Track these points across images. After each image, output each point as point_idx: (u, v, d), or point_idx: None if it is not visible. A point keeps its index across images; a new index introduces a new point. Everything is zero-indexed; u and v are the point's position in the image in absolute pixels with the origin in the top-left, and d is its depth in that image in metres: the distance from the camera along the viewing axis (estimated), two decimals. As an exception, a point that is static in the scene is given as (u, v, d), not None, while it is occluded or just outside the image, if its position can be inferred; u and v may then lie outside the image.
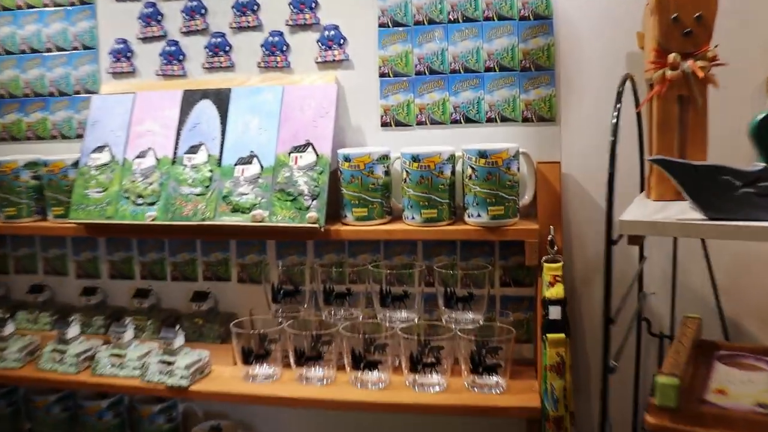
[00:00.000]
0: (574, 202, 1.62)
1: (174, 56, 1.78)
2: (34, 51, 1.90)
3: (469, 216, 1.53)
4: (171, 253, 1.86)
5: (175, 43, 1.78)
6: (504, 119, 1.64)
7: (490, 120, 1.64)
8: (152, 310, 1.84)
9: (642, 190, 1.47)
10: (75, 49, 1.86)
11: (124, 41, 1.82)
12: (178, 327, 1.61)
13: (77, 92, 1.87)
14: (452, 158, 1.55)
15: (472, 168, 1.50)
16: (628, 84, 1.27)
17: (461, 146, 1.55)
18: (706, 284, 1.53)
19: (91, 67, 1.85)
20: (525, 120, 1.63)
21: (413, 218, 1.55)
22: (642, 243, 1.20)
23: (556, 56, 1.61)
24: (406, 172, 1.54)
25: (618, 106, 1.15)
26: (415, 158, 1.52)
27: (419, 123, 1.66)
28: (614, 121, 1.14)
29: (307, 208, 1.55)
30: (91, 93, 1.83)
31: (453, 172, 1.56)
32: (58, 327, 1.72)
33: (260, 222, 1.56)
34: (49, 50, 1.89)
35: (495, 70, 1.63)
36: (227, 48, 1.74)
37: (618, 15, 1.57)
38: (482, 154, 1.49)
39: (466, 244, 1.67)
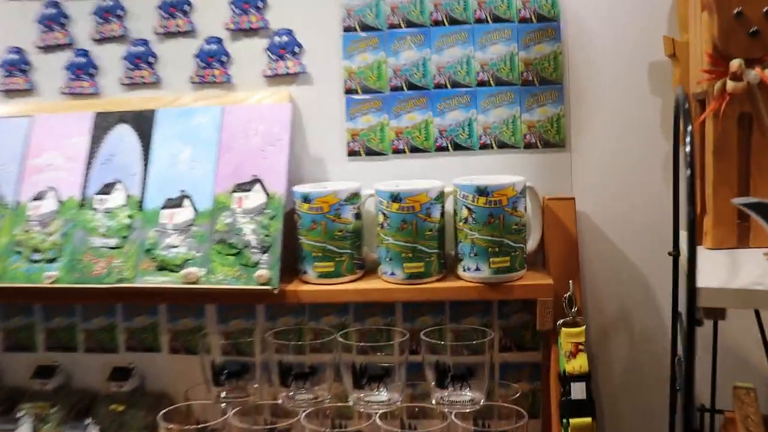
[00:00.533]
0: (588, 246, 1.30)
1: (83, 69, 1.41)
2: None
3: (465, 269, 1.19)
4: (84, 318, 1.48)
5: (85, 52, 1.41)
6: (502, 145, 1.31)
7: (484, 146, 1.31)
8: (59, 392, 1.44)
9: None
10: (-41, 62, 1.47)
11: (19, 50, 1.44)
12: (89, 421, 1.22)
13: (-38, 116, 1.48)
14: (441, 196, 1.21)
15: (469, 209, 1.17)
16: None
17: (452, 180, 1.21)
18: (753, 345, 1.21)
19: (-21, 84, 1.47)
20: (528, 146, 1.31)
21: (393, 274, 1.20)
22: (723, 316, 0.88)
23: (565, 67, 1.29)
24: (383, 214, 1.19)
25: (689, 129, 0.83)
26: (395, 197, 1.17)
27: (396, 151, 1.32)
28: (688, 148, 0.81)
29: (256, 265, 1.19)
30: (-21, 117, 1.44)
31: (443, 214, 1.21)
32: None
33: (194, 283, 1.19)
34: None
35: (490, 84, 1.30)
36: (151, 59, 1.38)
37: (640, 16, 1.27)
38: (482, 191, 1.16)
39: (458, 301, 1.33)
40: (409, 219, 1.18)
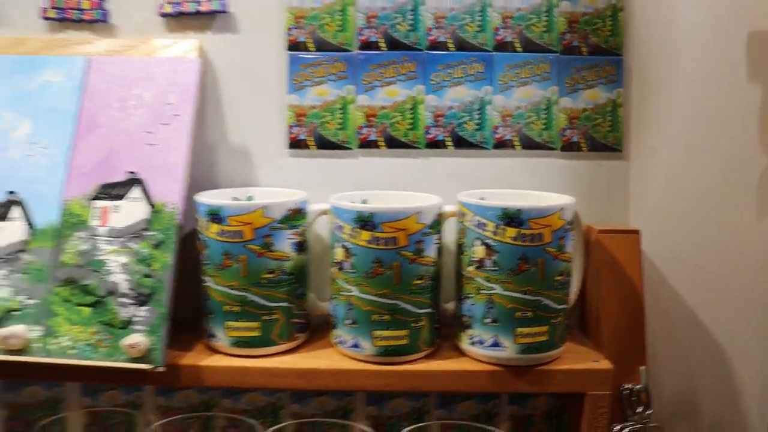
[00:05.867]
0: (649, 307, 0.84)
1: None
2: None
3: (474, 342, 0.73)
4: None
5: None
6: (529, 143, 0.85)
7: (502, 143, 0.84)
8: None
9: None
10: None
11: None
12: None
13: None
14: (440, 222, 0.74)
15: (487, 245, 0.70)
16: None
17: (455, 196, 0.74)
18: None
19: None
20: (567, 146, 0.84)
21: (357, 346, 0.73)
22: None
23: (628, 30, 0.83)
24: (344, 249, 0.71)
25: None
26: (364, 221, 0.70)
27: (365, 143, 0.84)
28: None
29: (126, 325, 0.69)
30: None
31: (440, 251, 0.74)
32: None
33: (18, 352, 0.70)
34: None
35: (514, 48, 0.83)
36: (-17, -21, 0.86)
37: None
38: (512, 218, 0.69)
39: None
40: (387, 259, 0.71)
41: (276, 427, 0.76)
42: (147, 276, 0.71)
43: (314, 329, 0.81)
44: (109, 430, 0.84)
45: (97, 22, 0.86)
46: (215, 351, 0.76)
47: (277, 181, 0.84)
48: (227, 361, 0.74)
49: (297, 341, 0.77)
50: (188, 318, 0.77)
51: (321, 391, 0.87)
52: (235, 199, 0.79)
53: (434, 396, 0.88)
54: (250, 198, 0.80)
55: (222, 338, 0.75)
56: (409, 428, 0.74)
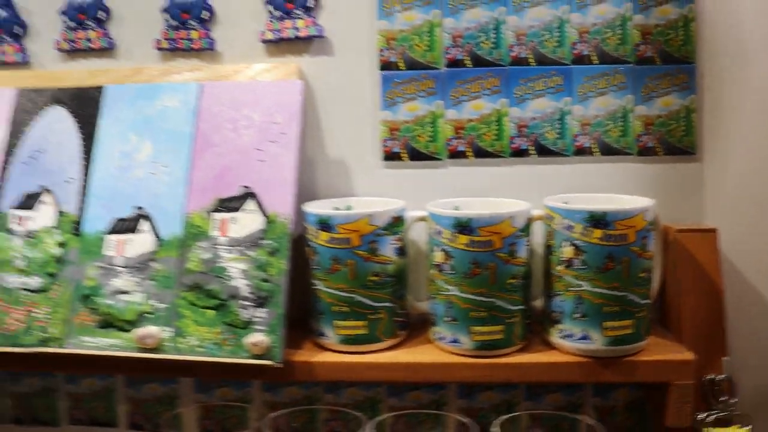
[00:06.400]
0: (728, 298, 0.88)
1: (5, 28, 0.98)
2: None
3: (563, 336, 0.79)
4: (11, 378, 1.06)
5: (7, 2, 0.98)
6: (607, 149, 0.90)
7: (581, 151, 0.90)
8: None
9: None
10: None
11: None
12: None
13: None
14: (529, 225, 0.80)
15: (576, 246, 0.76)
16: None
17: (542, 200, 0.80)
18: None
19: None
20: (644, 151, 0.90)
21: (456, 341, 0.79)
22: None
23: (699, 39, 0.88)
24: (444, 252, 0.78)
25: None
26: (463, 226, 0.76)
27: (454, 154, 0.90)
28: None
29: (247, 325, 0.77)
30: None
31: (530, 253, 0.80)
32: None
33: (154, 350, 0.78)
34: None
35: (591, 61, 0.89)
36: (101, 14, 0.96)
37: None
38: (598, 221, 0.75)
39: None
40: (484, 260, 0.77)
41: (378, 419, 0.83)
42: (265, 281, 0.79)
43: (412, 327, 0.87)
44: (221, 423, 0.91)
45: (205, 50, 0.94)
46: (324, 348, 0.83)
47: (372, 191, 0.91)
48: (336, 357, 0.81)
49: (399, 338, 0.84)
50: (295, 318, 0.84)
51: (417, 385, 0.93)
52: (336, 208, 0.86)
53: (523, 388, 0.94)
54: (349, 207, 0.87)
55: (331, 336, 0.82)
56: (501, 418, 0.80)
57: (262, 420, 0.84)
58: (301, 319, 0.85)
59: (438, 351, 0.82)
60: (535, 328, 0.84)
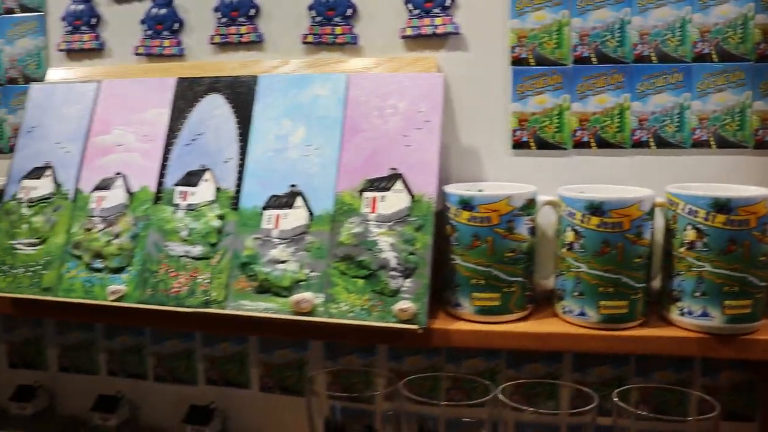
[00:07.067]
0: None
1: (164, 24, 1.09)
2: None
3: (684, 313, 0.85)
4: (154, 339, 1.17)
5: (167, 2, 1.09)
6: (723, 143, 0.96)
7: (699, 143, 0.96)
8: (123, 431, 1.14)
9: None
10: (10, 12, 1.17)
11: (86, 0, 1.12)
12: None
13: (12, 80, 1.18)
14: (653, 210, 0.86)
15: (698, 230, 0.82)
16: None
17: (664, 188, 0.86)
18: None
19: (33, 40, 1.16)
20: (760, 145, 0.95)
21: (583, 314, 0.86)
22: None
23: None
24: (575, 231, 0.85)
25: None
26: (595, 208, 0.84)
27: (578, 144, 0.97)
28: None
29: (395, 293, 0.85)
30: (33, 81, 1.14)
31: (652, 235, 0.87)
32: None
33: (307, 314, 0.87)
34: (-29, 14, 1.20)
35: (712, 59, 0.95)
36: (251, 11, 1.05)
37: None
38: (721, 207, 0.81)
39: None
40: (613, 240, 0.84)
41: (502, 386, 0.90)
42: (411, 254, 0.87)
43: (536, 302, 0.94)
44: (348, 389, 1.00)
45: (348, 44, 1.03)
46: (458, 318, 0.91)
47: (500, 177, 0.99)
48: (471, 326, 0.89)
49: (527, 311, 0.91)
50: (434, 288, 0.92)
51: (535, 358, 1.00)
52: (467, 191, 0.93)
53: (633, 364, 1.00)
54: (480, 191, 0.94)
55: (467, 307, 0.89)
56: (617, 390, 0.87)
57: (392, 384, 0.92)
58: (434, 292, 0.93)
59: (563, 323, 0.89)
60: (652, 305, 0.90)
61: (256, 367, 1.13)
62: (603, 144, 0.98)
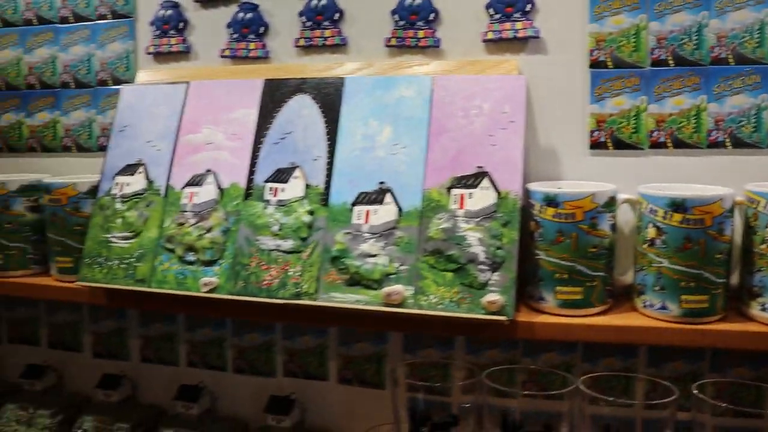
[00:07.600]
0: None
1: (250, 27, 1.14)
2: (43, 21, 1.26)
3: (764, 308, 0.87)
4: (235, 332, 1.22)
5: (253, 7, 1.14)
6: (800, 143, 0.98)
7: (775, 143, 0.98)
8: (204, 420, 1.19)
9: None
10: (102, 17, 1.23)
11: (175, 5, 1.18)
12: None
13: (102, 82, 1.23)
14: (733, 208, 0.89)
15: (781, 227, 0.84)
16: None
17: (746, 186, 0.89)
18: None
19: (123, 44, 1.22)
20: (836, 145, 0.97)
21: (664, 308, 0.89)
22: None
23: None
24: (656, 228, 0.88)
25: None
26: (677, 205, 0.87)
27: (655, 144, 1.00)
28: None
29: (483, 286, 0.89)
30: (122, 83, 1.19)
31: (732, 233, 0.90)
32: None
33: (398, 306, 0.91)
34: (64, 19, 1.25)
35: (789, 61, 0.97)
36: (335, 15, 1.10)
37: None
38: (805, 204, 0.83)
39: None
40: (695, 236, 0.87)
41: (582, 378, 0.93)
42: (498, 248, 0.91)
43: (615, 296, 0.97)
44: (427, 380, 1.03)
45: (430, 47, 1.07)
46: (541, 311, 0.94)
47: (578, 176, 1.02)
48: (554, 319, 0.92)
49: (607, 305, 0.94)
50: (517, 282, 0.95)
51: (610, 352, 1.03)
52: (548, 189, 0.97)
53: (708, 360, 1.03)
54: (560, 189, 0.98)
55: (550, 300, 0.93)
56: (696, 383, 0.90)
57: (473, 376, 0.96)
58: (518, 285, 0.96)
59: (643, 317, 0.92)
60: (731, 301, 0.93)
61: (335, 359, 1.17)
62: (679, 144, 1.00)
